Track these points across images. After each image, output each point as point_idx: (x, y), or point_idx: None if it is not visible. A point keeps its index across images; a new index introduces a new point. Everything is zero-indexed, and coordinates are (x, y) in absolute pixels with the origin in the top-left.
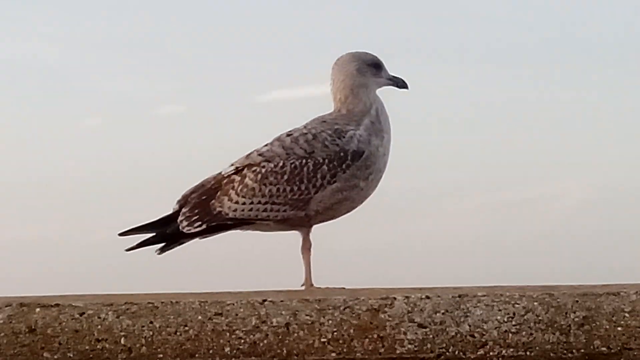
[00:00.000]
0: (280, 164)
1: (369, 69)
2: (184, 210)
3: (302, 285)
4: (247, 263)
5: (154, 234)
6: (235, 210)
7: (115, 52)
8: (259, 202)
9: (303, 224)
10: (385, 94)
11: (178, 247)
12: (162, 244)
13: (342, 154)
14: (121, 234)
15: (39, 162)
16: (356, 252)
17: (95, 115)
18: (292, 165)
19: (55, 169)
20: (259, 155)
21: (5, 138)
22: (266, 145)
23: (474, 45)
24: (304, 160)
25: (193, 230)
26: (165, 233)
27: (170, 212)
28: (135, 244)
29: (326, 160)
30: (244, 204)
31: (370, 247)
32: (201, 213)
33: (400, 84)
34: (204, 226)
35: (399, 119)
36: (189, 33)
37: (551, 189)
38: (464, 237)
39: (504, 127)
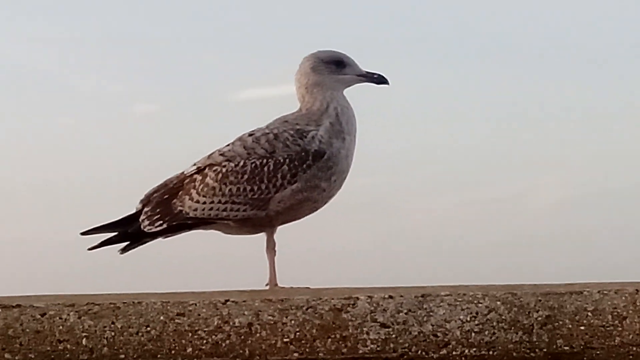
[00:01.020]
0: (241, 163)
1: (326, 66)
2: (146, 209)
3: (266, 285)
4: (212, 263)
5: (116, 233)
6: (195, 210)
7: (88, 51)
8: (219, 202)
9: (264, 224)
10: (358, 90)
11: (140, 247)
12: (125, 244)
13: (303, 154)
14: (83, 233)
15: (8, 161)
16: (322, 252)
17: (68, 114)
18: (253, 165)
19: (24, 168)
20: (221, 154)
21: None
22: (228, 145)
23: (448, 43)
24: (264, 160)
25: (154, 230)
26: (127, 232)
27: (133, 211)
28: (97, 243)
29: (287, 160)
30: (204, 203)
31: (337, 246)
32: (162, 212)
33: (377, 79)
34: (164, 225)
35: (364, 115)
36: (162, 31)
37: (519, 189)
38: (429, 236)
39: (472, 125)
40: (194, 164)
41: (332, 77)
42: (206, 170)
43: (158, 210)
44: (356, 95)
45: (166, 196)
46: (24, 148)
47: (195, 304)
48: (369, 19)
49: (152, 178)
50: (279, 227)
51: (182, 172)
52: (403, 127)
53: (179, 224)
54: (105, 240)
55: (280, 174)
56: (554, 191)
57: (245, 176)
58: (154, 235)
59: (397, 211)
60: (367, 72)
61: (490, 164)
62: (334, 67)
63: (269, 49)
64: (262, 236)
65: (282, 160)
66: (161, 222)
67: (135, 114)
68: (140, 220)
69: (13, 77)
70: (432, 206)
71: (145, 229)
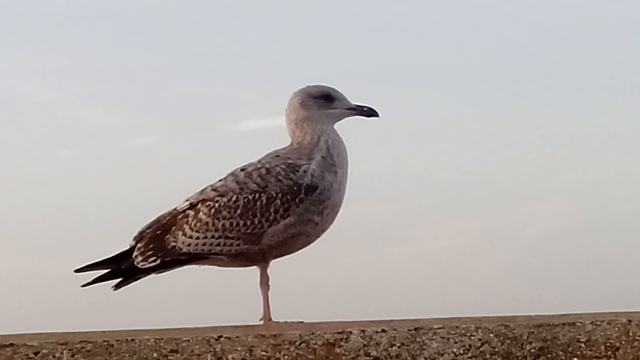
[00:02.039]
0: (234, 198)
1: (314, 101)
2: (139, 245)
3: (260, 320)
4: (205, 297)
5: (110, 269)
6: (189, 245)
7: (88, 83)
8: (212, 237)
9: (258, 258)
10: (351, 122)
11: (134, 283)
12: (118, 280)
13: (295, 188)
14: (77, 271)
15: (6, 195)
16: (315, 284)
17: (69, 147)
18: (246, 200)
19: (25, 201)
20: (213, 190)
21: None
22: (220, 180)
23: (444, 74)
24: (257, 195)
25: (147, 266)
26: (121, 269)
27: (126, 247)
28: (91, 280)
29: (279, 195)
30: (197, 238)
31: (330, 278)
32: (155, 248)
33: (367, 112)
34: (158, 261)
35: (356, 145)
36: (161, 63)
37: (513, 219)
38: (422, 266)
39: (465, 154)
40: (187, 200)
41: (322, 112)
42: (199, 205)
43: (151, 246)
44: (349, 124)
45: (159, 232)
46: (22, 181)
47: (189, 341)
48: (367, 50)
49: (152, 210)
50: (273, 261)
51: (175, 208)
52: (396, 157)
53: (172, 260)
54: (98, 277)
55: (272, 208)
56: (548, 220)
57: (238, 211)
58: (147, 271)
59: (389, 242)
60: (357, 106)
61: (485, 193)
62: (322, 101)
63: (269, 80)
64: (255, 270)
65: (274, 195)
66: (154, 257)
67: (135, 146)
68: (133, 256)
69: (12, 109)
70: (426, 236)
71: (138, 265)
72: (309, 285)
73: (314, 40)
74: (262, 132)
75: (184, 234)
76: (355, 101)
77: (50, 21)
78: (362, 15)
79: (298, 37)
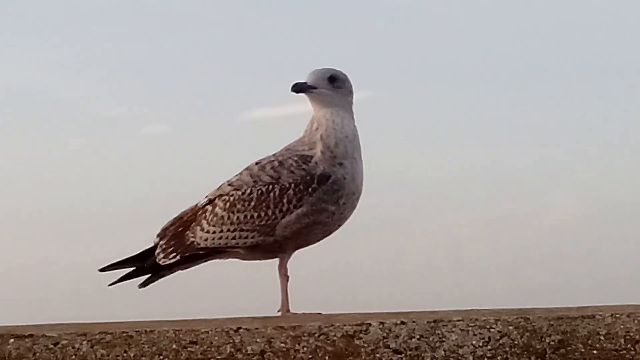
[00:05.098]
0: (248, 191)
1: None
2: (161, 242)
3: (278, 311)
4: (224, 288)
5: (134, 268)
6: (206, 240)
7: (98, 73)
8: (228, 230)
9: (275, 250)
10: (364, 111)
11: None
12: (144, 278)
13: (308, 177)
14: (101, 270)
15: (21, 186)
16: (333, 274)
17: (79, 136)
18: (259, 192)
19: (37, 192)
20: (229, 185)
21: None
22: (236, 175)
23: (453, 62)
24: (270, 186)
25: (168, 262)
26: (144, 267)
27: (150, 245)
28: (116, 279)
29: (292, 185)
30: (214, 232)
31: (350, 268)
32: (176, 244)
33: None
34: (178, 257)
35: (374, 138)
36: (171, 52)
37: (530, 207)
38: (440, 257)
39: (481, 144)
40: (206, 196)
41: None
42: (216, 200)
43: (172, 242)
44: (366, 118)
45: (180, 229)
46: (35, 171)
47: (208, 332)
48: (382, 40)
49: (163, 198)
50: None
51: (196, 205)
52: (414, 148)
53: (191, 255)
54: (124, 276)
55: (285, 199)
56: (565, 209)
57: (252, 203)
58: (170, 268)
59: (407, 232)
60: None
61: (503, 183)
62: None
63: (279, 69)
64: (273, 261)
65: (287, 186)
66: (174, 254)
67: (145, 135)
68: (155, 253)
69: (24, 100)
70: (443, 226)
71: (160, 262)
72: (326, 276)
73: (325, 30)
74: (273, 121)
75: (202, 229)
76: (368, 92)
77: (62, 12)
78: (375, 7)
79: (310, 26)
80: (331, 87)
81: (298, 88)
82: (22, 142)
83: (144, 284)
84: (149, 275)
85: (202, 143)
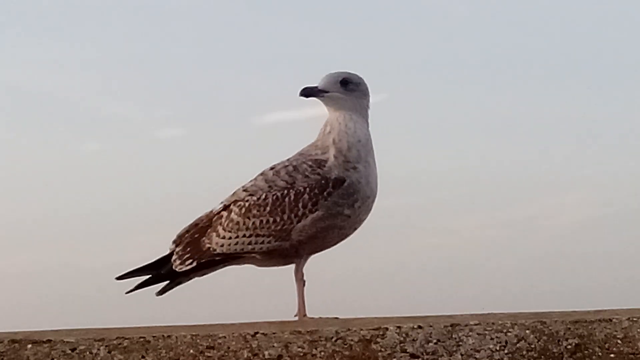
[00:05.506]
0: (263, 196)
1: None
2: (177, 249)
3: (295, 316)
4: (241, 293)
5: (150, 275)
6: (222, 246)
7: (112, 75)
8: (244, 236)
9: (291, 255)
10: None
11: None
12: (162, 286)
13: (323, 181)
14: (118, 278)
15: (36, 189)
16: (351, 278)
17: (94, 140)
18: (274, 197)
19: (52, 195)
20: (244, 190)
21: (2, 164)
22: (251, 180)
23: (471, 62)
24: (285, 191)
25: (184, 268)
26: (161, 274)
27: (166, 252)
28: (133, 286)
29: (307, 189)
30: (229, 238)
31: (366, 272)
32: (192, 251)
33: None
34: (194, 263)
35: (387, 138)
36: (186, 54)
37: (544, 209)
38: (456, 259)
39: (494, 144)
40: (221, 202)
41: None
42: (231, 206)
43: (188, 249)
44: (378, 119)
45: (196, 235)
46: (49, 174)
47: (225, 337)
48: (394, 42)
49: (178, 202)
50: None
51: (211, 211)
52: (428, 149)
53: (208, 261)
54: (141, 283)
55: (301, 203)
56: (580, 210)
57: (268, 208)
58: (187, 274)
59: (424, 234)
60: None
61: (516, 182)
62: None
63: (294, 72)
64: (290, 266)
65: (302, 190)
66: (191, 260)
67: (160, 138)
68: (172, 260)
69: (37, 102)
70: (458, 228)
71: (176, 269)
72: (343, 280)
73: (339, 32)
74: (288, 125)
75: (218, 235)
76: (383, 94)
77: (75, 13)
78: (389, 7)
79: (323, 29)
80: (343, 90)
81: (306, 92)
82: (35, 145)
83: (161, 292)
84: (166, 282)
85: (217, 146)
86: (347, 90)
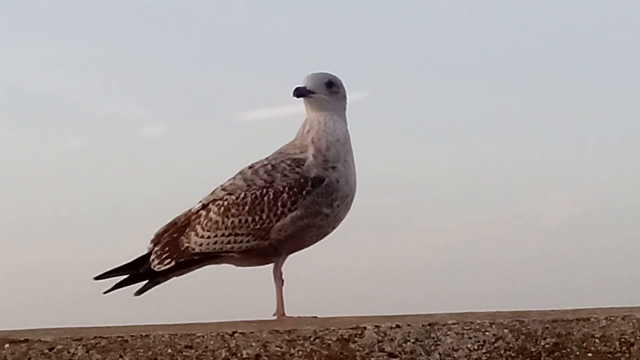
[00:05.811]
0: (242, 195)
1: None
2: (155, 248)
3: (274, 315)
4: (219, 292)
5: (128, 275)
6: (200, 245)
7: (96, 73)
8: (223, 235)
9: (270, 254)
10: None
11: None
12: (140, 286)
13: (302, 180)
14: (96, 278)
15: (16, 187)
16: (330, 278)
17: (78, 137)
18: (253, 196)
19: (32, 193)
20: (223, 189)
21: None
22: (229, 179)
23: (465, 62)
24: (264, 190)
25: (163, 268)
26: (139, 273)
27: (145, 252)
28: (111, 286)
29: (286, 188)
30: (208, 237)
31: (345, 271)
32: (170, 250)
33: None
34: (172, 263)
35: (369, 137)
36: (169, 52)
37: (526, 209)
38: (436, 258)
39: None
40: (200, 201)
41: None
42: (210, 205)
43: (167, 248)
44: (369, 116)
45: (175, 235)
46: (32, 171)
47: (203, 336)
48: (382, 41)
49: (160, 199)
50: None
51: (190, 210)
52: (410, 148)
53: (186, 261)
54: (119, 283)
55: (280, 202)
56: (562, 210)
57: (246, 207)
58: (165, 274)
59: (403, 234)
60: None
61: (494, 183)
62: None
63: (277, 70)
64: (269, 265)
65: (281, 189)
66: (169, 259)
67: (144, 135)
68: (150, 260)
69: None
70: (438, 228)
71: (155, 268)
72: (321, 279)
73: (325, 30)
74: (271, 122)
75: (196, 234)
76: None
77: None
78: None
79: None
80: (328, 92)
81: (299, 93)
82: (19, 142)
83: (140, 292)
84: (145, 282)
85: (200, 143)
86: (332, 92)
